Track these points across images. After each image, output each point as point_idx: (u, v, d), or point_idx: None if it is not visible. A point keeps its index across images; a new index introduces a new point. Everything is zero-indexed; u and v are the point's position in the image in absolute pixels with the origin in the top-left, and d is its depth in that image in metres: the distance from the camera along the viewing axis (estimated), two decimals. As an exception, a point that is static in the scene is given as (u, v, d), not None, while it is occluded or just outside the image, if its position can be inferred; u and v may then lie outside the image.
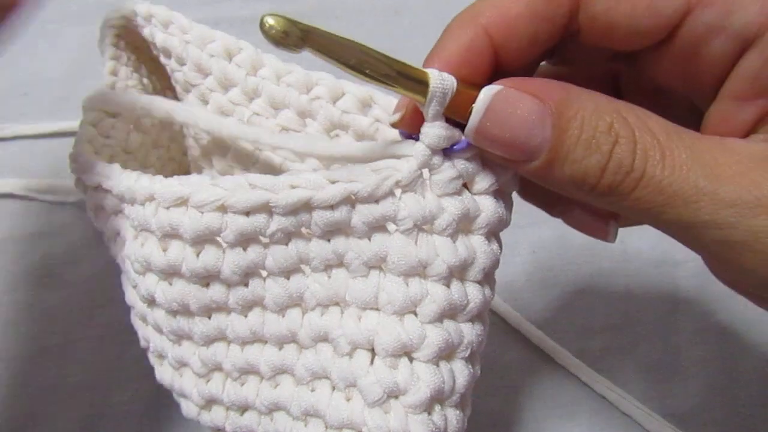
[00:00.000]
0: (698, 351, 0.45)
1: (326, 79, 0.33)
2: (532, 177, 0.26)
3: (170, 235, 0.27)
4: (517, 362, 0.45)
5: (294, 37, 0.21)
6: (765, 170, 0.23)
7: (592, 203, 0.26)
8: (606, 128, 0.24)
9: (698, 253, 0.27)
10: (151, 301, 0.30)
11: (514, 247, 0.47)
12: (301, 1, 0.54)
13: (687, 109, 0.30)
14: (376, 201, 0.25)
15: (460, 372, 0.27)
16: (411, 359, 0.26)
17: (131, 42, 0.38)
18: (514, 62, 0.27)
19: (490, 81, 0.25)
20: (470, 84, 0.25)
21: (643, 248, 0.47)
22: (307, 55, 0.22)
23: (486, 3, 0.26)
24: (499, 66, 0.27)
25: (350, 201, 0.25)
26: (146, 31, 0.36)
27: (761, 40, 0.24)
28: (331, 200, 0.25)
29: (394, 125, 0.27)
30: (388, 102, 0.32)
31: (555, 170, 0.25)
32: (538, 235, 0.47)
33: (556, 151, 0.24)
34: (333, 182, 0.25)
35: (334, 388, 0.28)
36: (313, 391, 0.28)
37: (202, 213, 0.26)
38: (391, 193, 0.25)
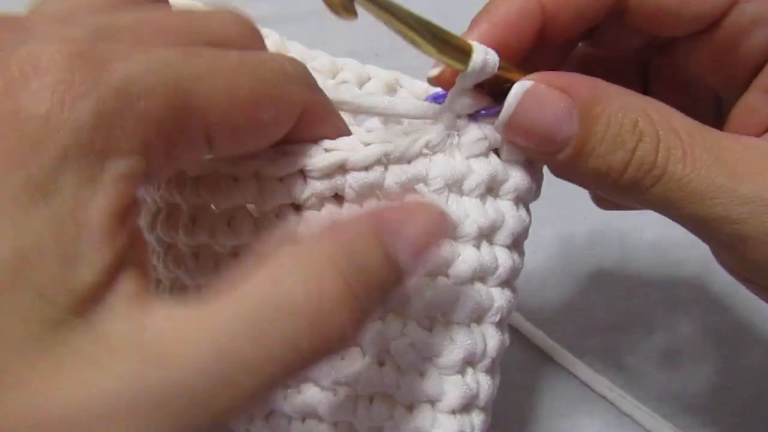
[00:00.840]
0: (698, 351, 0.45)
1: (352, 63, 0.33)
2: (556, 168, 0.27)
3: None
4: (517, 362, 0.45)
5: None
6: None
7: (611, 196, 0.27)
8: (631, 126, 0.25)
9: (709, 245, 0.27)
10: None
11: (514, 247, 0.47)
12: (301, 2, 0.54)
13: (712, 103, 0.31)
14: (408, 161, 0.26)
15: (491, 336, 0.27)
16: (443, 321, 0.26)
17: None
18: (558, 34, 0.28)
19: (531, 51, 0.27)
20: (509, 60, 0.26)
21: (643, 248, 0.47)
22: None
23: None
24: (541, 35, 0.27)
25: (383, 162, 0.26)
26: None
27: None
28: (366, 161, 0.26)
29: (431, 79, 0.28)
30: (413, 86, 0.32)
31: (579, 163, 0.25)
32: (538, 235, 0.47)
33: (582, 145, 0.25)
34: (366, 144, 0.26)
35: (364, 354, 0.27)
36: (342, 359, 0.28)
37: (236, 181, 0.26)
38: (421, 154, 0.26)
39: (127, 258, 0.20)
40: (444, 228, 0.24)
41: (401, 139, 0.26)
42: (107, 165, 0.19)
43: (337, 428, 0.29)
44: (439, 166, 0.26)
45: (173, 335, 0.18)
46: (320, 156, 0.26)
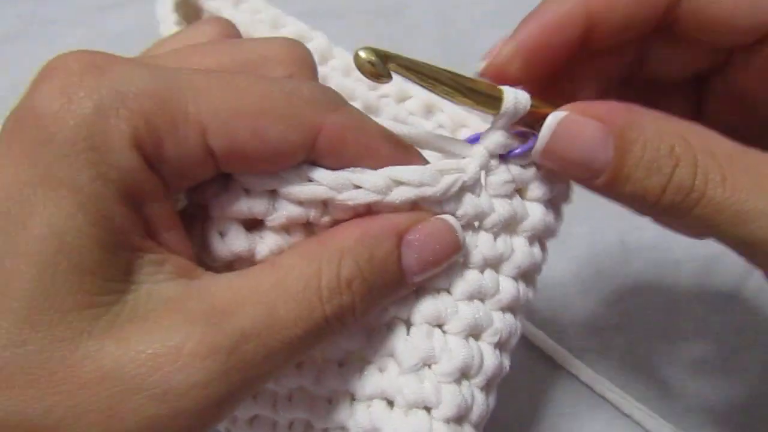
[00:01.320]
0: (698, 351, 0.45)
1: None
2: (595, 191, 0.28)
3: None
4: (517, 362, 0.45)
5: (381, 65, 0.25)
6: None
7: (654, 218, 0.27)
8: (667, 151, 0.25)
9: (754, 266, 0.27)
10: None
11: (514, 247, 0.47)
12: (301, 2, 0.54)
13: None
14: (440, 201, 0.27)
15: (488, 355, 0.29)
16: (444, 332, 0.28)
17: (186, 17, 0.39)
18: (602, 42, 0.28)
19: (574, 58, 0.27)
20: (542, 98, 0.27)
21: (643, 248, 0.47)
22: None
23: None
24: (586, 42, 0.28)
25: (415, 204, 0.27)
26: (212, 5, 0.36)
27: None
28: (397, 202, 0.26)
29: (481, 72, 0.29)
30: (453, 109, 0.34)
31: (617, 188, 0.26)
32: (538, 235, 0.47)
33: (618, 171, 0.26)
34: (397, 183, 0.26)
35: (364, 361, 0.28)
36: (341, 366, 0.29)
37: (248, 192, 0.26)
38: (456, 196, 0.27)
39: (170, 241, 0.24)
40: (454, 254, 0.27)
41: (438, 179, 0.27)
42: (107, 154, 0.22)
43: None
44: (465, 205, 0.27)
45: (232, 297, 0.23)
46: (348, 193, 0.25)
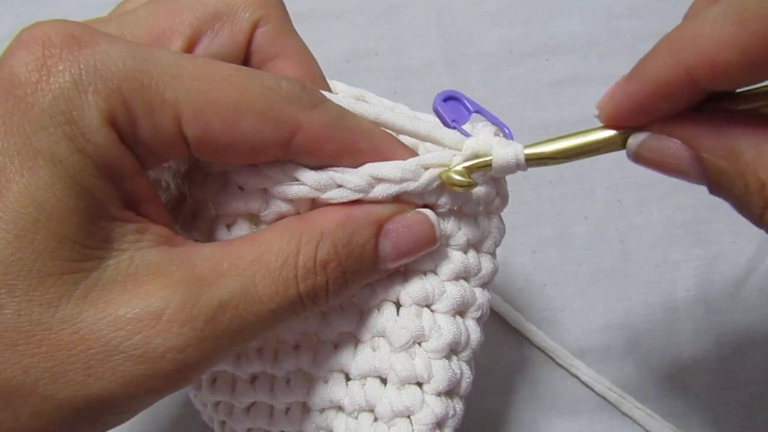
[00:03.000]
0: (698, 351, 0.45)
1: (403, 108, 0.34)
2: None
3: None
4: (517, 362, 0.45)
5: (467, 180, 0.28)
6: None
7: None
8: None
9: None
10: None
11: (514, 247, 0.47)
12: (301, 2, 0.54)
13: None
14: (421, 195, 0.28)
15: (473, 330, 0.30)
16: (432, 311, 0.29)
17: None
18: (718, 88, 0.24)
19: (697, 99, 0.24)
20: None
21: (643, 248, 0.47)
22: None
23: (690, 37, 0.23)
24: (695, 97, 0.25)
25: (397, 196, 0.28)
26: None
27: None
28: (380, 198, 0.27)
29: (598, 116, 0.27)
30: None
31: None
32: (538, 235, 0.47)
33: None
34: (378, 180, 0.27)
35: (357, 341, 0.30)
36: (336, 347, 0.30)
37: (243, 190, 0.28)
38: (437, 190, 0.28)
39: (150, 212, 0.25)
40: (428, 246, 0.28)
41: (422, 176, 0.28)
42: (84, 129, 0.22)
43: (323, 414, 0.31)
44: (446, 195, 0.29)
45: (212, 267, 0.24)
46: (332, 192, 0.27)
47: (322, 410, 0.31)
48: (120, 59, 0.23)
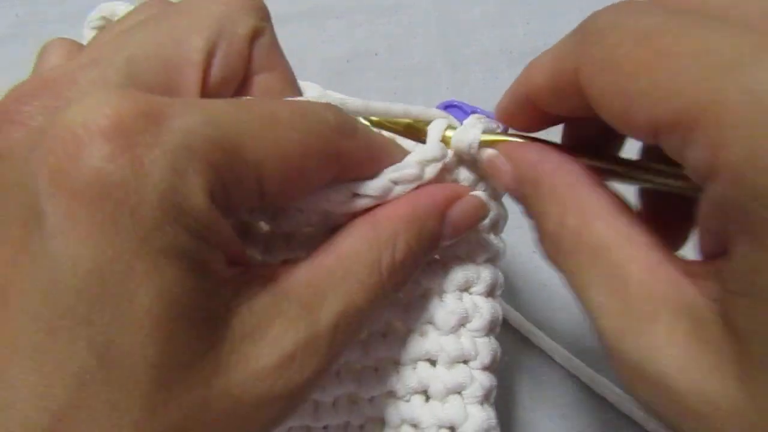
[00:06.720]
0: (698, 351, 0.45)
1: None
2: None
3: None
4: (517, 362, 0.45)
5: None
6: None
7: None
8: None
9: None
10: None
11: (514, 247, 0.47)
12: (301, 2, 0.54)
13: None
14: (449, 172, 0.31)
15: (499, 307, 0.33)
16: (470, 293, 0.32)
17: None
18: (557, 118, 0.29)
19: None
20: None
21: (643, 248, 0.47)
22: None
23: (532, 65, 0.28)
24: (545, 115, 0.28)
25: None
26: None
27: (708, 188, 0.20)
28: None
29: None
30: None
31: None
32: (538, 235, 0.47)
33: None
34: (424, 163, 0.29)
35: (405, 329, 0.32)
36: (385, 337, 0.32)
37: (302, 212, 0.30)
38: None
39: (240, 253, 0.25)
40: (482, 217, 0.31)
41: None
42: (196, 215, 0.21)
43: (372, 402, 0.33)
44: (463, 174, 0.32)
45: (314, 291, 0.25)
46: (394, 192, 0.29)
47: (371, 398, 0.33)
48: (199, 128, 0.21)
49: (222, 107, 0.23)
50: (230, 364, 0.22)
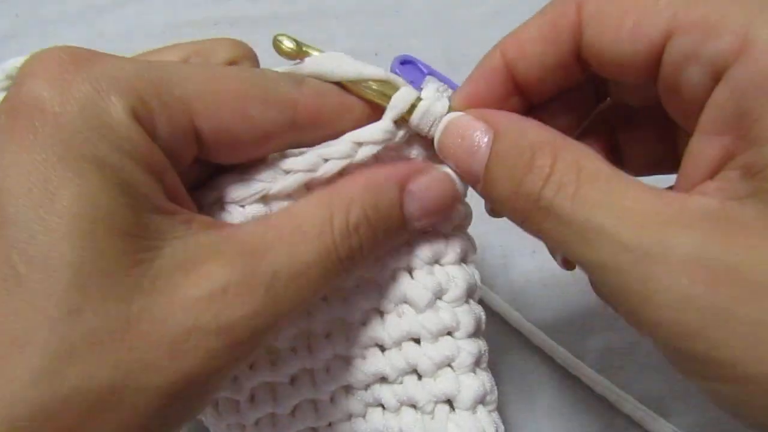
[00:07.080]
0: (698, 351, 0.45)
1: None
2: (482, 197, 0.29)
3: None
4: (517, 362, 0.45)
5: (297, 51, 0.29)
6: (683, 226, 0.22)
7: (524, 229, 0.27)
8: (527, 158, 0.25)
9: (603, 300, 0.27)
10: None
11: (514, 248, 0.47)
12: (301, 2, 0.54)
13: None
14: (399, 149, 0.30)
15: (475, 273, 0.32)
16: (441, 265, 0.31)
17: None
18: (531, 87, 0.29)
19: (513, 105, 0.29)
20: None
21: (643, 248, 0.47)
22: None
23: (510, 33, 0.28)
24: (520, 90, 0.29)
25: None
26: None
27: (731, 71, 0.23)
28: (366, 160, 0.29)
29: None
30: None
31: (487, 193, 0.28)
32: (538, 235, 0.47)
33: (487, 175, 0.27)
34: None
35: (383, 313, 0.32)
36: (365, 324, 0.32)
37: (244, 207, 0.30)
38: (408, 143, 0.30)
39: (188, 205, 0.26)
40: (454, 203, 0.30)
41: (398, 134, 0.30)
42: (116, 129, 0.23)
43: (368, 390, 0.33)
44: (418, 147, 0.31)
45: (259, 241, 0.25)
46: (323, 168, 0.29)
47: (366, 387, 0.33)
48: (130, 68, 0.24)
49: (160, 60, 0.26)
50: (155, 287, 0.22)
